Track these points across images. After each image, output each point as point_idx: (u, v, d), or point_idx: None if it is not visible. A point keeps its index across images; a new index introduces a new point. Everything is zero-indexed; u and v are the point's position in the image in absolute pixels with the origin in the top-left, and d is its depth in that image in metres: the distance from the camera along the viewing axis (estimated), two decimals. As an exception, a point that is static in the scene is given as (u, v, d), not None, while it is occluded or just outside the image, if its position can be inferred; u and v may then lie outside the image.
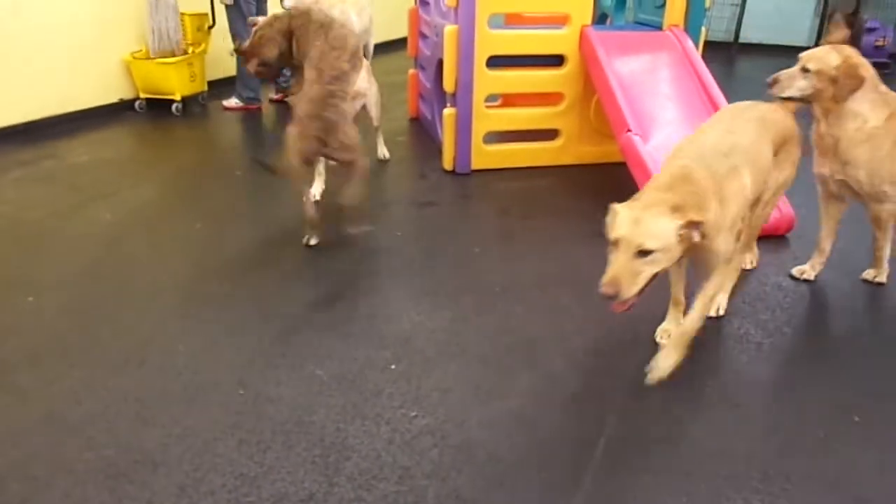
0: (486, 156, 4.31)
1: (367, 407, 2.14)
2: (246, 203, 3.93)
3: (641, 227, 1.91)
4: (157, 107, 5.62)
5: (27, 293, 2.80)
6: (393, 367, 2.34)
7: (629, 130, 3.63)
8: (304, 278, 2.98)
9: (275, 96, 6.04)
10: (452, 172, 4.26)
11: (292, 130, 3.01)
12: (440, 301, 2.78)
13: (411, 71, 5.48)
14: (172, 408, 2.13)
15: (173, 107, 5.58)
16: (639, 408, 2.17)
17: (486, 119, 4.24)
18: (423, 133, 5.17)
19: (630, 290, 1.91)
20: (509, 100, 4.90)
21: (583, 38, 4.16)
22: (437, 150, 4.54)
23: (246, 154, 4.83)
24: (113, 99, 5.56)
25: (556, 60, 4.28)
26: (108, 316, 2.66)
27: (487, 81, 4.14)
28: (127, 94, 5.65)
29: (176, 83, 5.56)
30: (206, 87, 5.90)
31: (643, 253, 1.91)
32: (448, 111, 4.19)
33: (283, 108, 5.97)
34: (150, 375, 2.28)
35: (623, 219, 1.95)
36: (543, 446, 1.99)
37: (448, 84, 4.12)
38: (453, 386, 2.25)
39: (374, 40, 6.83)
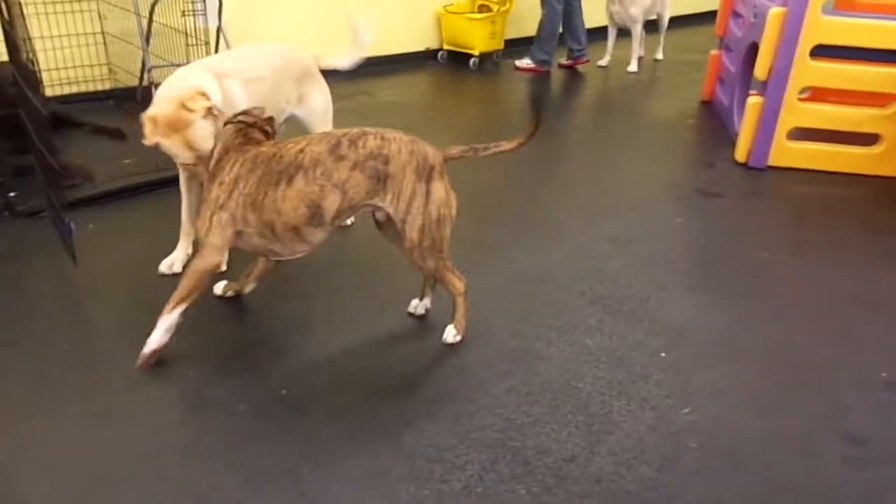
0: (787, 152, 3.96)
1: (633, 388, 2.16)
2: (528, 161, 4.00)
3: None
4: (457, 59, 6.02)
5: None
6: (663, 354, 2.32)
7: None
8: (586, 250, 3.03)
9: (565, 62, 6.11)
10: (744, 165, 4.00)
11: None
12: (720, 300, 2.67)
13: (713, 51, 5.16)
14: (456, 345, 2.34)
15: (471, 61, 5.92)
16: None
17: (796, 113, 3.88)
18: (714, 119, 4.89)
19: None
20: (819, 94, 4.41)
21: (938, 35, 3.58)
22: (729, 139, 4.28)
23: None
24: (421, 47, 6.07)
25: (893, 57, 3.75)
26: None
27: (807, 72, 3.76)
28: (433, 45, 6.13)
29: (477, 38, 5.89)
30: (502, 46, 6.16)
31: None
32: (753, 99, 3.91)
33: (571, 74, 6.03)
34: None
35: None
36: (822, 478, 1.85)
37: (761, 70, 3.83)
38: (727, 389, 2.17)
39: (669, 12, 6.55)
